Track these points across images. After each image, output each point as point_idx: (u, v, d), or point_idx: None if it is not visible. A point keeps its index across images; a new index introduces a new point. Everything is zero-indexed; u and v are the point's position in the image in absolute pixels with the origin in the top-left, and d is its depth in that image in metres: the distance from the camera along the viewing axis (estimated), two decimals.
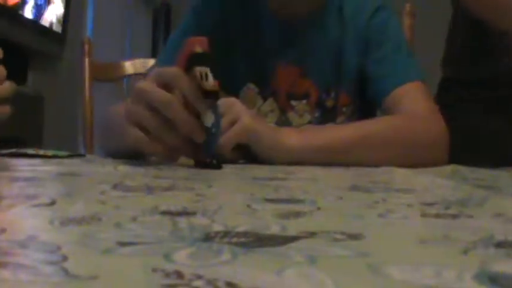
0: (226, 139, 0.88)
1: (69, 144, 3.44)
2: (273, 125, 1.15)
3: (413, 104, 1.10)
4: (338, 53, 1.21)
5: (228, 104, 0.91)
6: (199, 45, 0.79)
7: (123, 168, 0.76)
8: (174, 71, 0.80)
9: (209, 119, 0.79)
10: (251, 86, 1.22)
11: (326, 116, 1.20)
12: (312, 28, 1.22)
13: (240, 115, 0.91)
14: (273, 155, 0.92)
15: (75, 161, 0.92)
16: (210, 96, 0.78)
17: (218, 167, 0.80)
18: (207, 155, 0.82)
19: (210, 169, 0.78)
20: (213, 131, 0.80)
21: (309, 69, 1.20)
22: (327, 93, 1.21)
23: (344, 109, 1.20)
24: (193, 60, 0.79)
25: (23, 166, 0.77)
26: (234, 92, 1.20)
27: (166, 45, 1.37)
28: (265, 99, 1.22)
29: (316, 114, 1.20)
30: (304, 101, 1.20)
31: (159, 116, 0.78)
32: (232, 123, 0.90)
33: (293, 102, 1.20)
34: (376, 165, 0.88)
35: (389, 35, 1.21)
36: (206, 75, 0.77)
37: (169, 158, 0.85)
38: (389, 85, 1.14)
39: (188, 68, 0.79)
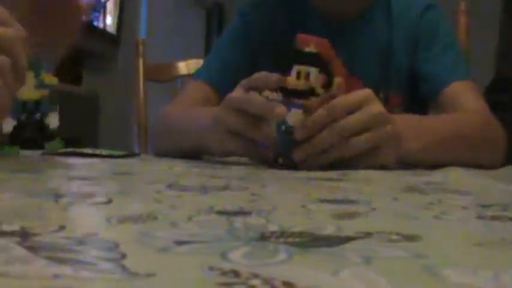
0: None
1: (124, 143, 3.48)
2: None
3: (469, 103, 1.09)
4: (387, 52, 1.20)
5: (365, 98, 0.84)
6: (309, 44, 0.80)
7: (178, 168, 0.77)
8: (259, 75, 0.83)
9: (292, 118, 0.78)
10: None
11: None
12: (360, 27, 1.21)
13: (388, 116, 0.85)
14: (391, 161, 0.87)
15: (130, 160, 0.94)
16: (296, 94, 0.78)
17: (292, 167, 0.80)
18: (280, 154, 0.82)
19: (282, 169, 0.79)
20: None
21: (357, 69, 1.19)
22: (376, 93, 1.20)
23: (395, 109, 1.19)
24: (295, 58, 0.80)
25: (80, 165, 0.79)
26: None
27: (213, 48, 1.38)
28: None
29: None
30: None
31: (247, 118, 0.81)
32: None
33: None
34: (464, 164, 0.87)
35: (439, 33, 1.20)
36: (307, 74, 0.78)
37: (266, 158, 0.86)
38: (441, 84, 1.13)
39: (289, 66, 0.80)
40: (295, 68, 0.78)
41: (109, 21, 4.02)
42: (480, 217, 0.38)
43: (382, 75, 1.19)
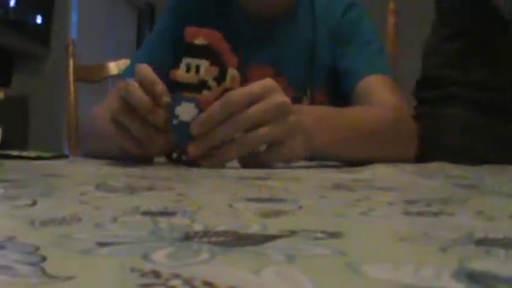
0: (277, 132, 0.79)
1: (54, 145, 3.44)
2: None
3: (383, 97, 1.10)
4: (311, 51, 1.21)
5: (265, 88, 0.80)
6: (198, 36, 0.76)
7: (106, 169, 0.76)
8: (139, 67, 0.80)
9: (183, 112, 0.76)
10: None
11: None
12: (285, 27, 1.22)
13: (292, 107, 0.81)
14: (298, 154, 0.83)
15: (59, 162, 0.92)
16: (187, 88, 0.76)
17: (186, 163, 0.79)
18: (176, 148, 0.80)
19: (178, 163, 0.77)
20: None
21: (283, 68, 1.20)
22: (302, 92, 1.21)
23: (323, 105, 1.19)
24: (184, 51, 0.76)
25: (6, 168, 0.77)
26: None
27: (142, 45, 1.37)
28: None
29: None
30: None
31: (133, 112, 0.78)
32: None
33: None
34: (365, 159, 0.87)
35: (358, 30, 1.22)
36: (198, 67, 0.75)
37: (143, 152, 0.82)
38: (355, 77, 1.14)
39: (179, 59, 0.77)
40: (185, 61, 0.75)
41: (39, 20, 3.95)
42: (405, 213, 0.38)
43: (308, 73, 1.20)
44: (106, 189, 0.50)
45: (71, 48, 1.84)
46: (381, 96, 1.10)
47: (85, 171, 0.74)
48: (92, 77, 1.88)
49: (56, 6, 4.15)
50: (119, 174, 0.68)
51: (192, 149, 0.78)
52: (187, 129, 0.77)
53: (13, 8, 3.62)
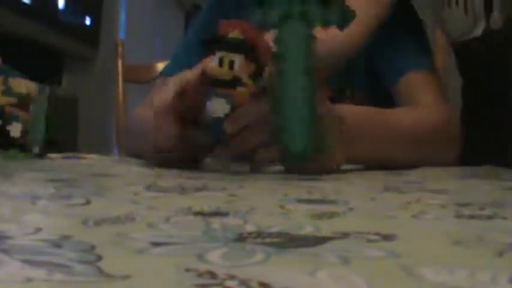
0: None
1: (103, 145, 3.47)
2: None
3: (426, 97, 1.07)
4: None
5: None
6: (234, 29, 0.70)
7: (157, 169, 0.76)
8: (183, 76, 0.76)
9: (217, 109, 0.69)
10: None
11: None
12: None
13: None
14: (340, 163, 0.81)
15: (107, 161, 0.93)
16: (219, 84, 0.69)
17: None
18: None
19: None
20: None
21: None
22: (340, 92, 1.18)
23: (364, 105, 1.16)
24: (217, 44, 0.70)
25: (57, 167, 0.78)
26: None
27: (181, 43, 1.36)
28: None
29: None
30: None
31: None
32: None
33: None
34: (404, 165, 0.86)
35: (402, 23, 1.17)
36: (232, 62, 0.69)
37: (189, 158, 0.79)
38: (398, 73, 1.10)
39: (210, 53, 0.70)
40: (218, 54, 0.69)
41: (88, 21, 4.00)
42: (458, 216, 0.38)
43: (345, 72, 1.16)
44: (157, 190, 0.50)
45: (119, 49, 1.86)
46: (424, 96, 1.07)
47: (134, 171, 0.75)
48: (140, 77, 1.89)
49: (105, 7, 4.19)
50: (169, 175, 0.68)
51: (219, 150, 0.74)
52: (219, 126, 0.72)
53: (62, 9, 3.67)
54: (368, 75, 1.18)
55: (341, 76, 1.15)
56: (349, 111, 0.85)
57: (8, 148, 0.75)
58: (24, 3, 3.22)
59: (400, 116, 0.98)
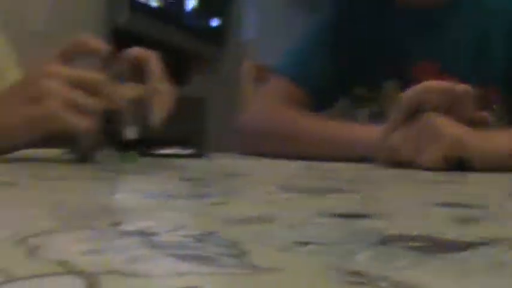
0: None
1: (230, 144, 3.52)
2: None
3: None
4: (483, 45, 1.13)
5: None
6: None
7: (286, 169, 0.77)
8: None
9: None
10: (390, 84, 1.16)
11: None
12: (449, 18, 1.14)
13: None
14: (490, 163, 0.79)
15: (238, 161, 0.94)
16: None
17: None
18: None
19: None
20: None
21: (449, 64, 1.12)
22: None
23: (494, 106, 1.11)
24: None
25: (187, 166, 0.80)
26: (373, 90, 1.16)
27: (302, 39, 1.34)
28: None
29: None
30: None
31: None
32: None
33: None
34: None
35: None
36: None
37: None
38: None
39: None
40: None
41: (215, 22, 4.07)
42: None
43: (478, 70, 1.11)
44: (291, 190, 0.50)
45: (247, 49, 1.87)
46: None
47: (264, 171, 0.76)
48: (267, 77, 1.89)
49: (232, 8, 4.25)
50: (300, 175, 0.68)
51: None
52: None
53: (191, 12, 3.74)
54: (506, 74, 1.12)
55: (471, 70, 1.11)
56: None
57: (125, 150, 0.76)
58: (153, 7, 3.31)
59: None
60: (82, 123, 0.65)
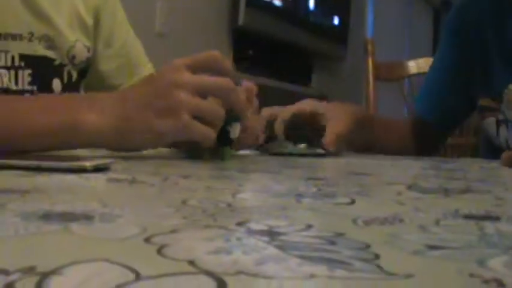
0: None
1: None
2: None
3: None
4: None
5: None
6: None
7: (414, 169, 0.75)
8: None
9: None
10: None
11: None
12: None
13: None
14: None
15: (364, 160, 0.94)
16: None
17: None
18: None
19: None
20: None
21: None
22: None
23: None
24: None
25: (313, 165, 0.80)
26: (496, 94, 1.13)
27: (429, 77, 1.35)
28: None
29: None
30: None
31: None
32: None
33: None
34: None
35: None
36: None
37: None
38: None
39: None
40: None
41: (336, 21, 4.06)
42: None
43: None
44: (419, 190, 0.49)
45: (369, 47, 1.86)
46: None
47: (390, 170, 0.75)
48: (390, 75, 1.88)
49: (353, 7, 4.23)
50: (428, 175, 0.67)
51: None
52: None
53: (312, 10, 3.75)
54: None
55: None
56: None
57: (226, 147, 0.78)
58: (276, 6, 3.33)
59: None
60: (210, 135, 0.71)
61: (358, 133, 1.04)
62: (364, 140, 1.13)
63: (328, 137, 0.95)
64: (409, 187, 0.51)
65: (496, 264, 0.23)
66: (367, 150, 1.14)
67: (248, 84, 0.80)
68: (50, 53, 1.00)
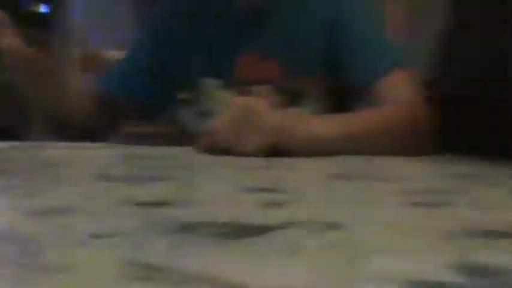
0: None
1: None
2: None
3: (401, 94, 1.06)
4: (301, 34, 1.16)
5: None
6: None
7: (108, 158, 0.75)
8: None
9: None
10: (210, 80, 1.17)
11: (293, 99, 1.14)
12: (270, 9, 1.17)
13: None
14: (307, 148, 0.83)
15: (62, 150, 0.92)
16: None
17: None
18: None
19: None
20: None
21: (271, 53, 1.15)
22: (291, 76, 1.16)
23: (312, 92, 1.13)
24: None
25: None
26: (192, 87, 1.17)
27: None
28: (231, 90, 1.16)
29: (282, 98, 1.14)
30: (267, 86, 1.15)
31: None
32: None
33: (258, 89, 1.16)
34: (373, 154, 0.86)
35: (360, 16, 1.16)
36: None
37: None
38: (366, 74, 1.10)
39: None
40: None
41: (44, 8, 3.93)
42: (405, 204, 0.38)
43: (297, 57, 1.12)
44: (108, 179, 0.49)
45: (74, 35, 1.81)
46: (400, 94, 1.07)
47: (85, 160, 0.74)
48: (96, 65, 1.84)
49: None
50: (120, 164, 0.67)
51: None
52: None
53: None
54: (324, 65, 1.16)
55: (293, 60, 1.13)
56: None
57: None
58: None
59: (365, 118, 0.98)
60: None
61: None
62: None
63: None
64: (99, 176, 0.51)
65: (158, 248, 0.24)
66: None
67: None
68: None
